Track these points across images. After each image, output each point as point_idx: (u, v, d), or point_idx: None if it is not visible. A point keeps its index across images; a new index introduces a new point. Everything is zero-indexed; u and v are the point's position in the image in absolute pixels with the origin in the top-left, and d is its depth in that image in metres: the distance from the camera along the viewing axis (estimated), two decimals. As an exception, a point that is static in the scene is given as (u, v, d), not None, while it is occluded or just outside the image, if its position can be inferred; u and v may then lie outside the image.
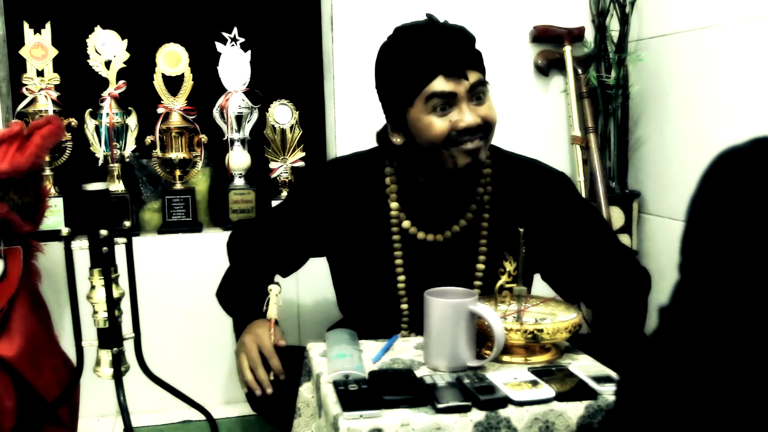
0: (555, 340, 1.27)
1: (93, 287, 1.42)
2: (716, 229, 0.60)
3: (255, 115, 2.13)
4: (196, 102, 2.10)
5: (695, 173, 0.64)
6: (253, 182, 2.13)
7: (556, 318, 1.31)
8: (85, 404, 1.78)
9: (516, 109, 2.18)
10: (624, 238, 2.13)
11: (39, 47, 1.99)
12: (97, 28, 2.04)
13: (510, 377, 1.18)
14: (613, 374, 1.19)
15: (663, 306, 0.65)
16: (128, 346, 1.45)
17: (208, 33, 2.14)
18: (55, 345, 1.74)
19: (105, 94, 2.03)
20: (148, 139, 2.07)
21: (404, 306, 1.51)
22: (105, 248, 1.38)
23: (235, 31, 2.11)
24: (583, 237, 1.51)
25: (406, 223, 1.51)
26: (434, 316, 1.24)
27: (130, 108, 2.07)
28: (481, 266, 1.50)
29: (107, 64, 2.04)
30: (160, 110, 2.07)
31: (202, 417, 1.55)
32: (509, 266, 1.31)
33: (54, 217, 1.92)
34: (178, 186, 2.07)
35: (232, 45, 2.10)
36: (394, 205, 1.51)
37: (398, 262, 1.50)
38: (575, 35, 2.17)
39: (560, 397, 1.12)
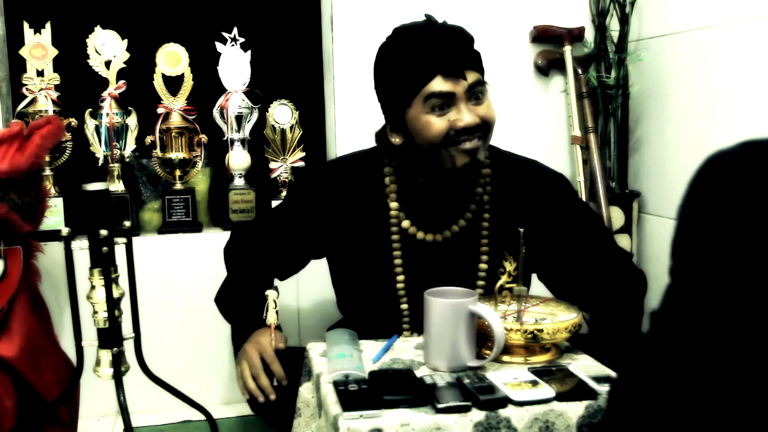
0: (555, 340, 1.27)
1: (93, 287, 1.42)
2: (706, 232, 0.60)
3: (255, 115, 2.13)
4: (196, 102, 2.10)
5: (695, 173, 0.64)
6: (253, 182, 2.13)
7: (556, 318, 1.31)
8: (85, 404, 1.78)
9: (516, 109, 2.18)
10: (624, 239, 2.13)
11: (39, 47, 1.99)
12: (97, 28, 2.04)
13: (510, 377, 1.18)
14: (613, 374, 1.19)
15: (654, 310, 0.65)
16: (128, 346, 1.45)
17: (208, 33, 2.14)
18: (55, 345, 1.74)
19: (105, 94, 2.03)
20: (148, 139, 2.07)
21: (404, 306, 1.51)
22: (105, 248, 1.38)
23: (235, 31, 2.11)
24: (580, 238, 1.51)
25: (405, 223, 1.51)
26: (434, 316, 1.24)
27: (130, 108, 2.07)
28: (483, 266, 1.50)
29: (107, 64, 2.04)
30: (160, 110, 2.07)
31: (202, 417, 1.55)
32: (509, 266, 1.31)
33: (54, 217, 1.92)
34: (178, 186, 2.07)
35: (232, 45, 2.10)
36: (393, 205, 1.51)
37: (398, 262, 1.50)
38: (575, 35, 2.17)
39: (560, 397, 1.12)
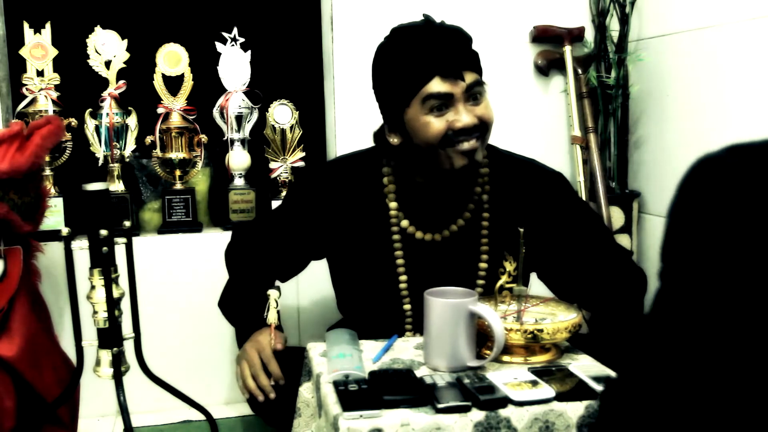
0: (555, 340, 1.27)
1: (93, 287, 1.42)
2: (692, 236, 0.61)
3: (255, 115, 2.13)
4: (196, 102, 2.10)
5: (695, 173, 0.64)
6: (253, 182, 2.13)
7: (556, 318, 1.31)
8: (85, 404, 1.78)
9: (516, 109, 2.18)
10: (624, 238, 2.13)
11: (39, 47, 1.99)
12: (97, 28, 2.04)
13: (510, 377, 1.18)
14: (613, 374, 1.19)
15: (645, 313, 0.66)
16: (128, 346, 1.45)
17: (208, 33, 2.14)
18: (55, 345, 1.74)
19: (105, 94, 2.03)
20: (148, 139, 2.07)
21: (407, 306, 1.51)
22: (105, 248, 1.38)
23: (235, 31, 2.11)
24: (579, 236, 1.52)
25: (404, 223, 1.51)
26: (434, 316, 1.24)
27: (130, 108, 2.07)
28: (483, 265, 1.50)
29: (107, 64, 2.04)
30: (160, 110, 2.07)
31: (202, 417, 1.55)
32: (509, 266, 1.32)
33: (54, 217, 1.92)
34: (178, 186, 2.07)
35: (232, 45, 2.10)
36: (392, 205, 1.51)
37: (399, 262, 1.50)
38: (575, 35, 2.17)
39: (560, 397, 1.12)
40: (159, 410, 1.91)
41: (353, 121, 2.08)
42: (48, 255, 1.83)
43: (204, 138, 2.10)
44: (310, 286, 2.02)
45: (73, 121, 2.02)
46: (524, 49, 2.19)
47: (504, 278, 1.32)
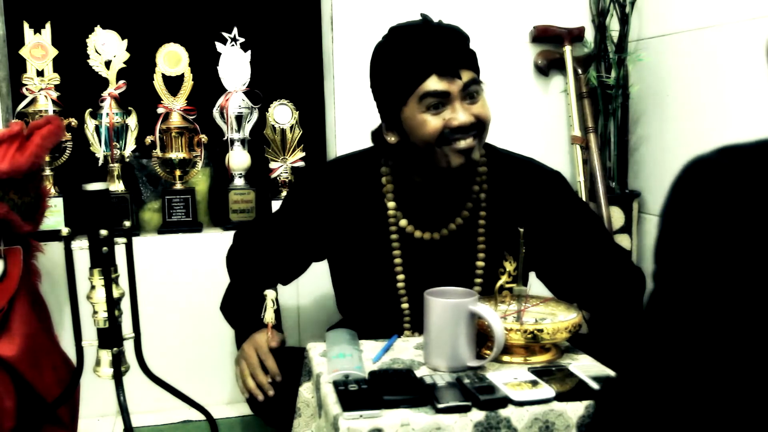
0: (555, 340, 1.27)
1: (93, 287, 1.42)
2: (684, 237, 0.61)
3: (255, 115, 2.13)
4: (196, 102, 2.10)
5: (695, 173, 0.64)
6: (253, 182, 2.13)
7: (556, 318, 1.31)
8: (85, 404, 1.78)
9: (516, 109, 2.18)
10: (624, 238, 2.13)
11: (39, 47, 1.99)
12: (97, 28, 2.04)
13: (510, 377, 1.18)
14: (613, 374, 1.19)
15: (641, 313, 0.66)
16: (128, 346, 1.45)
17: (208, 33, 2.14)
18: (55, 345, 1.74)
19: (105, 94, 2.03)
20: (148, 139, 2.07)
21: (405, 305, 1.51)
22: (105, 248, 1.38)
23: (235, 31, 2.11)
24: (577, 235, 1.52)
25: (403, 222, 1.51)
26: (434, 316, 1.24)
27: (130, 108, 2.07)
28: (480, 263, 1.50)
29: (107, 64, 2.04)
30: (160, 110, 2.07)
31: (202, 417, 1.55)
32: (509, 266, 1.32)
33: (54, 217, 1.92)
34: (178, 186, 2.07)
35: (232, 45, 2.10)
36: (390, 204, 1.51)
37: (397, 261, 1.50)
38: (575, 35, 2.17)
39: (560, 397, 1.12)
40: (159, 410, 1.91)
41: (353, 121, 2.08)
42: (48, 255, 1.83)
43: (204, 138, 2.10)
44: (310, 286, 2.02)
45: (73, 121, 2.02)
46: (524, 49, 2.19)
47: (504, 278, 1.32)
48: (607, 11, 2.15)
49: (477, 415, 1.08)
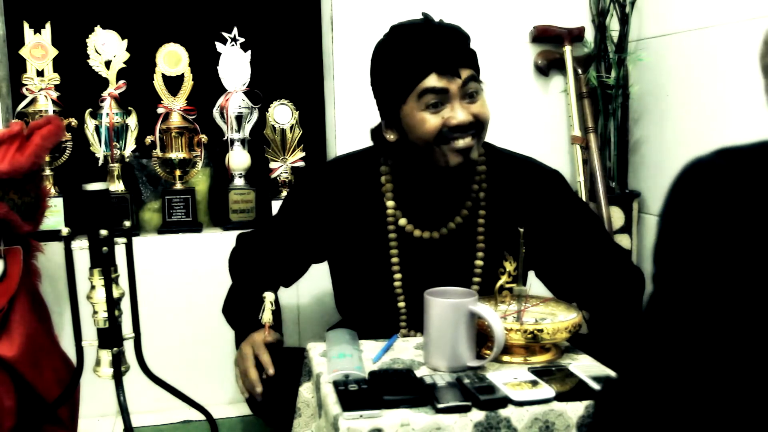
0: (555, 340, 1.27)
1: (93, 287, 1.42)
2: (684, 239, 0.61)
3: (255, 115, 2.13)
4: (196, 102, 2.10)
5: (695, 173, 0.64)
6: (253, 182, 2.13)
7: (556, 318, 1.31)
8: (85, 404, 1.78)
9: (516, 109, 2.18)
10: (624, 238, 2.13)
11: (39, 47, 1.99)
12: (97, 28, 2.04)
13: (510, 377, 1.18)
14: (613, 374, 1.19)
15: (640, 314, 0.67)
16: (128, 346, 1.45)
17: (208, 33, 2.14)
18: (55, 345, 1.74)
19: (105, 94, 2.03)
20: (148, 139, 2.07)
21: (401, 304, 1.51)
22: (105, 248, 1.38)
23: (235, 31, 2.11)
24: (576, 235, 1.52)
25: (402, 221, 1.51)
26: (434, 316, 1.24)
27: (130, 108, 2.07)
28: (479, 263, 1.50)
29: (107, 64, 2.04)
30: (160, 110, 2.07)
31: (202, 417, 1.56)
32: (509, 266, 1.32)
33: (54, 217, 1.92)
34: (178, 186, 2.07)
35: (232, 45, 2.10)
36: (390, 203, 1.51)
37: (395, 260, 1.50)
38: (575, 35, 2.17)
39: (560, 397, 1.12)
40: (159, 410, 1.91)
41: (353, 121, 2.08)
42: (48, 255, 1.83)
43: (204, 138, 2.10)
44: (310, 286, 2.02)
45: (73, 121, 2.02)
46: (524, 49, 2.19)
47: (504, 278, 1.32)
48: (607, 11, 2.15)
49: (477, 415, 1.08)
